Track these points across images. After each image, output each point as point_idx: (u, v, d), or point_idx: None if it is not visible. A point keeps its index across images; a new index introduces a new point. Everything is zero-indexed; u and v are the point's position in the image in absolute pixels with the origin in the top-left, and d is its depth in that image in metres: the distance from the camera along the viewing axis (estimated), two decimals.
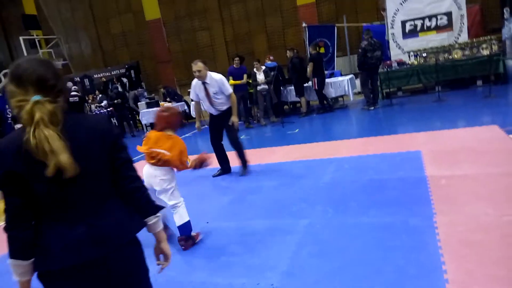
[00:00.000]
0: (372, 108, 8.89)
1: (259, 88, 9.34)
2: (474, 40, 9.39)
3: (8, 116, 14.36)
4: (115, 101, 11.78)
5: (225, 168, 5.53)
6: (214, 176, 5.51)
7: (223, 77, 5.02)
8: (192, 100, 6.18)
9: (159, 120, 3.27)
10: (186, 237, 3.34)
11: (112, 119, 12.61)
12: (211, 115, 5.26)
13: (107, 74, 15.53)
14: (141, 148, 3.26)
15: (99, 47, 16.87)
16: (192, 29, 15.14)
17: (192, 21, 15.05)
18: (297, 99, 10.00)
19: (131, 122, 12.43)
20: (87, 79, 15.94)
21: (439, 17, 9.84)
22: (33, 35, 16.22)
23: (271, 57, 10.25)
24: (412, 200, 3.52)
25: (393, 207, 3.44)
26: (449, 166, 4.25)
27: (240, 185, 4.91)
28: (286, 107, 11.00)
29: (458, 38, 9.71)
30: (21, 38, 15.53)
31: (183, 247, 3.32)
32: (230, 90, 5.01)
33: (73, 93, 12.10)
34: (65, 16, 16.68)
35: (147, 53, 15.83)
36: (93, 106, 13.37)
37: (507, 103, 7.37)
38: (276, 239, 3.22)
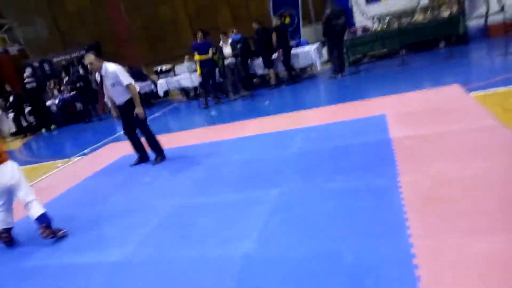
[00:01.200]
0: (339, 75, 8.93)
1: (226, 61, 9.17)
2: (434, 2, 9.49)
3: None
4: (77, 84, 11.34)
5: (142, 156, 5.48)
6: (131, 165, 5.45)
7: (119, 68, 4.94)
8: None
9: None
10: (46, 226, 3.46)
11: (76, 103, 12.19)
12: (118, 105, 5.20)
13: (67, 56, 14.83)
14: None
15: (56, 28, 16.03)
16: (152, 3, 14.57)
17: None
18: (266, 71, 9.92)
19: (96, 105, 12.04)
20: (47, 64, 15.20)
21: None
22: None
23: (235, 30, 10.04)
24: (377, 162, 3.61)
25: (359, 171, 3.52)
26: (412, 127, 4.36)
27: (210, 161, 4.89)
28: (255, 80, 10.91)
29: (419, 1, 9.79)
30: None
31: (43, 235, 3.45)
32: (127, 81, 4.92)
33: (28, 79, 11.55)
34: None
35: (107, 32, 15.15)
36: (55, 91, 12.82)
37: (467, 63, 7.59)
38: (248, 210, 3.26)
